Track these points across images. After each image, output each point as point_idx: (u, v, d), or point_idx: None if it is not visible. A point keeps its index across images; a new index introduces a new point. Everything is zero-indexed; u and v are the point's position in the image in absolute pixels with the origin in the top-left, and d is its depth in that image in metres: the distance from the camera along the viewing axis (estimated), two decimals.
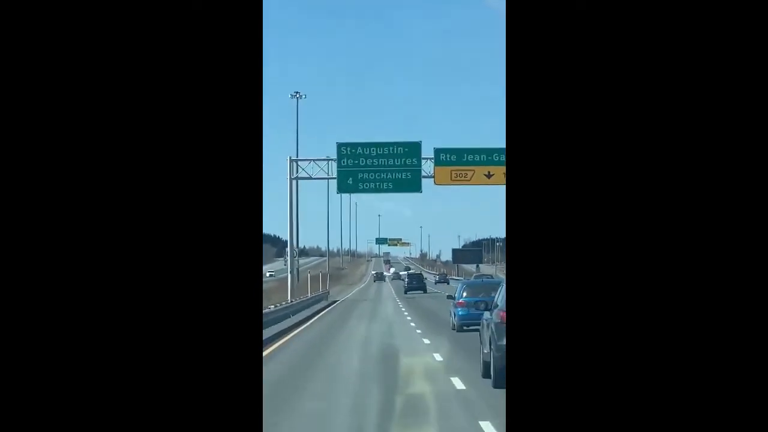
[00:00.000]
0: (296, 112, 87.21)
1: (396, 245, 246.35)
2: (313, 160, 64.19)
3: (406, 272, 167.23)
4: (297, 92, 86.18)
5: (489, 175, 60.77)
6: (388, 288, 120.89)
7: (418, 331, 35.81)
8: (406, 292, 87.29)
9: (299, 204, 73.92)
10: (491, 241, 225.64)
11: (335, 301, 76.51)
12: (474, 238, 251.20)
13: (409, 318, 46.24)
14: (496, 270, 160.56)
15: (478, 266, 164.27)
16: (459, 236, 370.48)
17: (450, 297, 36.86)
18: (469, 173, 61.65)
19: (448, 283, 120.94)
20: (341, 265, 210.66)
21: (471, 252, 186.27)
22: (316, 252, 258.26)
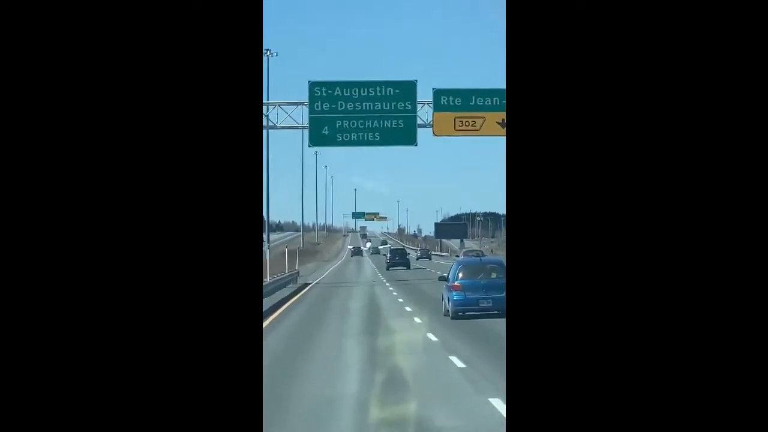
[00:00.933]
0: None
1: (373, 220, 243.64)
2: (280, 104, 50.17)
3: (386, 246, 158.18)
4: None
5: (503, 124, 46.68)
6: (369, 264, 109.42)
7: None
8: (388, 269, 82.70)
9: (269, 167, 60.93)
10: (470, 216, 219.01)
11: (307, 285, 60.28)
12: (453, 213, 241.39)
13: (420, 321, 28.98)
14: (480, 245, 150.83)
15: (462, 241, 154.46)
16: (437, 211, 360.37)
17: (442, 278, 30.78)
18: (478, 121, 48.24)
19: (430, 259, 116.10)
20: (316, 240, 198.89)
21: (455, 226, 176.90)
22: (291, 227, 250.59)
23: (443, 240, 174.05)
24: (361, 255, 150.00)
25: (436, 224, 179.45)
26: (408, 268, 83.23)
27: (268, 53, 71.26)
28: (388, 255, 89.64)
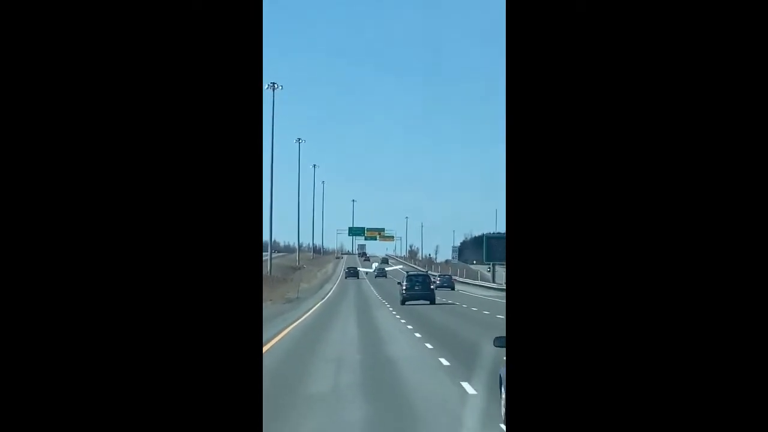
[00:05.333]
0: None
1: (376, 238, 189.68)
2: None
3: (387, 268, 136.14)
4: None
5: None
6: (373, 297, 65.73)
7: None
8: (403, 302, 57.22)
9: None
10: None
11: None
12: (474, 234, 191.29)
13: None
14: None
15: (492, 267, 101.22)
16: (454, 231, 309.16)
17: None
18: None
19: (452, 289, 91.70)
20: (297, 263, 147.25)
21: (498, 242, 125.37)
22: (273, 246, 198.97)
23: (469, 265, 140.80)
24: (356, 277, 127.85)
25: (464, 243, 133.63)
26: (433, 302, 57.89)
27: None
28: (404, 283, 59.80)
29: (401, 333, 32.14)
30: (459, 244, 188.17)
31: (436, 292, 61.73)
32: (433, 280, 65.17)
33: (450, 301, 61.85)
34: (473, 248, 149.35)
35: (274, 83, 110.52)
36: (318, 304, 59.05)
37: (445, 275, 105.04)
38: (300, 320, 41.24)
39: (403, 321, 39.87)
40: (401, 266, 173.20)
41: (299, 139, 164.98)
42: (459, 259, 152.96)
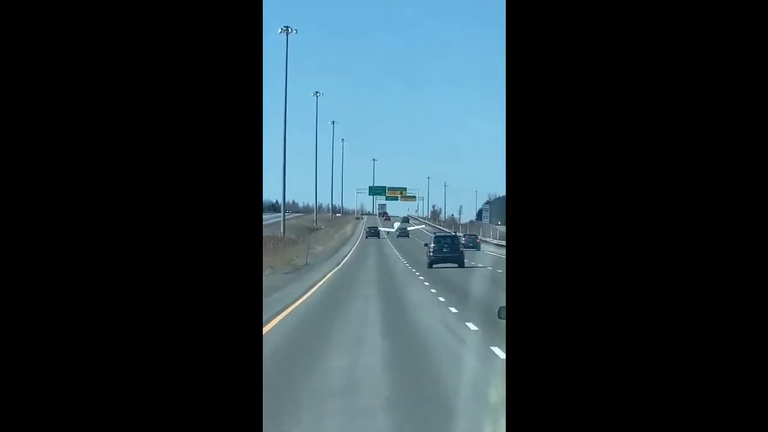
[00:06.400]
0: None
1: (397, 198, 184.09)
2: None
3: (411, 227, 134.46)
4: None
5: None
6: (395, 259, 56.85)
7: None
8: (430, 266, 54.77)
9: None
10: None
11: None
12: (498, 195, 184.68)
13: None
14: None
15: None
16: (476, 191, 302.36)
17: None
18: None
19: (478, 249, 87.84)
20: (314, 223, 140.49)
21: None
22: (291, 207, 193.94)
23: (497, 226, 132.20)
24: (377, 236, 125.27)
25: (489, 203, 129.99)
26: (462, 265, 54.74)
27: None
28: (432, 245, 58.11)
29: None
30: (483, 205, 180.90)
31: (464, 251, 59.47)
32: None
33: (480, 265, 55.96)
34: (498, 209, 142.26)
35: (287, 27, 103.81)
36: (329, 275, 47.22)
37: (470, 235, 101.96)
38: (292, 308, 26.71)
39: (454, 311, 24.73)
40: (423, 226, 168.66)
41: (317, 92, 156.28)
42: (483, 220, 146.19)
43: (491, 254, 74.40)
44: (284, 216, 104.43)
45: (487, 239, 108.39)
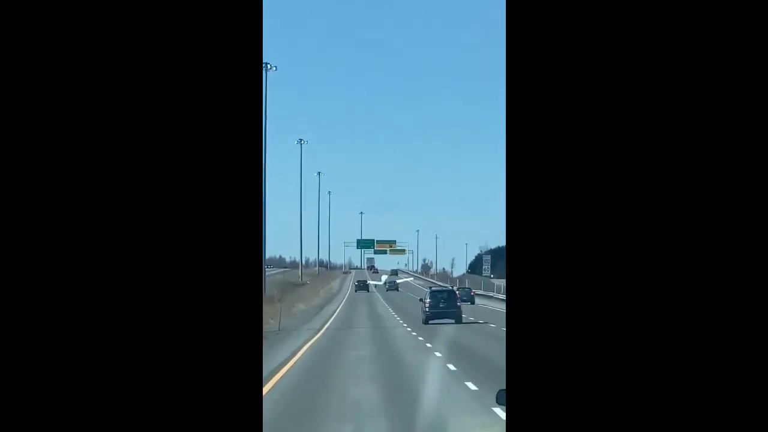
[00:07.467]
0: None
1: (386, 252, 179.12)
2: None
3: (397, 280, 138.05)
4: None
5: None
6: (402, 332, 46.33)
7: None
8: (427, 321, 54.07)
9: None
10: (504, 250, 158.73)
11: None
12: (489, 247, 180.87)
13: None
14: None
15: None
16: (467, 244, 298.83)
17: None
18: None
19: (472, 303, 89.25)
20: (300, 279, 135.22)
21: None
22: (276, 262, 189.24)
23: (492, 279, 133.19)
24: (367, 290, 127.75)
25: (480, 256, 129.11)
26: (459, 321, 53.83)
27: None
28: (427, 300, 56.24)
29: None
30: (484, 255, 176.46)
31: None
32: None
33: (481, 321, 55.22)
34: (493, 261, 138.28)
35: (266, 63, 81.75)
36: (303, 349, 34.84)
37: (465, 288, 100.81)
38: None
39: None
40: (411, 278, 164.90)
41: (301, 139, 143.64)
42: (484, 272, 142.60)
43: (485, 306, 72.89)
44: (264, 272, 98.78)
45: (490, 293, 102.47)
